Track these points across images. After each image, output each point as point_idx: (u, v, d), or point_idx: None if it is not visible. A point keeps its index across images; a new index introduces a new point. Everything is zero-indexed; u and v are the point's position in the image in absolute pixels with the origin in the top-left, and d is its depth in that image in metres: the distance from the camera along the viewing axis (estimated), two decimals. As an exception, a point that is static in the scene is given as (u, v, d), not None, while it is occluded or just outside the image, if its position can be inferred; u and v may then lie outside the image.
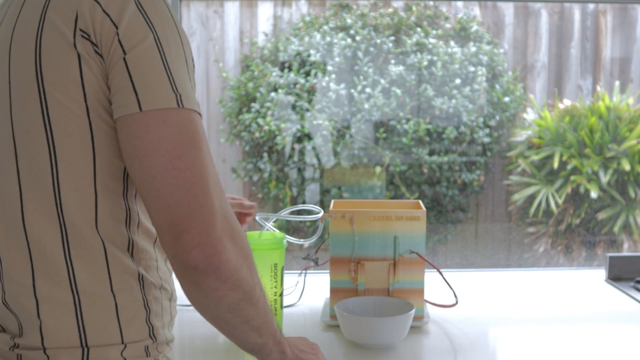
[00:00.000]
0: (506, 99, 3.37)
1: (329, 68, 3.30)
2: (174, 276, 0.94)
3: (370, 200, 1.39)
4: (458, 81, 3.30)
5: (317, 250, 1.40)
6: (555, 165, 3.28)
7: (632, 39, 3.47)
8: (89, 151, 0.77)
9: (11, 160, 0.78)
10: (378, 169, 3.30)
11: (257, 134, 3.27)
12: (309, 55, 3.32)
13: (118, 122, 0.76)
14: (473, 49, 3.35)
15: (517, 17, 3.45)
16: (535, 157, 3.34)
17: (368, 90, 3.28)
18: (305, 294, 1.48)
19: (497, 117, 3.38)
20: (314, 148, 3.31)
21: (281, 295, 1.25)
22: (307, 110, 3.28)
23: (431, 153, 3.31)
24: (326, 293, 1.39)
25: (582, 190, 3.30)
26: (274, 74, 3.29)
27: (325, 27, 3.36)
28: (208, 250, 0.74)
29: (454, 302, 1.31)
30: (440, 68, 3.29)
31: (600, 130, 3.28)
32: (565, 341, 1.24)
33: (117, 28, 0.76)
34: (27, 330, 0.78)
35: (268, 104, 3.27)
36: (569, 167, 3.29)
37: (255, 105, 3.29)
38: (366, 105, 3.27)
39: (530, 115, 3.44)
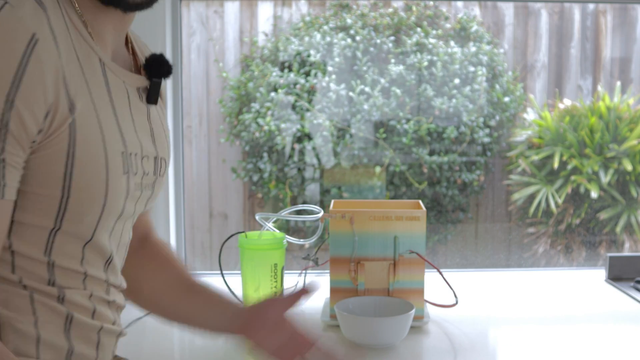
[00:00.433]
0: (506, 99, 3.37)
1: (329, 68, 3.30)
2: None
3: (370, 200, 1.39)
4: (458, 81, 3.30)
5: (317, 250, 1.40)
6: (556, 165, 3.28)
7: (632, 39, 3.47)
8: None
9: None
10: (378, 169, 3.30)
11: (257, 134, 3.27)
12: (308, 56, 3.32)
13: None
14: (473, 49, 3.35)
15: (517, 17, 3.45)
16: (536, 157, 3.34)
17: (368, 90, 3.28)
18: (305, 294, 1.48)
19: (497, 117, 3.38)
20: (314, 148, 3.31)
21: (281, 295, 1.25)
22: (307, 110, 3.28)
23: (431, 153, 3.31)
24: (326, 293, 1.39)
25: (582, 190, 3.30)
26: (274, 74, 3.29)
27: (325, 27, 3.36)
28: None
29: (454, 302, 1.31)
30: (440, 68, 3.29)
31: (600, 130, 3.27)
32: (565, 341, 1.24)
33: None
34: None
35: (268, 104, 3.27)
36: (569, 167, 3.29)
37: (255, 105, 3.29)
38: (366, 106, 3.27)
39: (530, 115, 3.44)
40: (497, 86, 3.37)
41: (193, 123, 3.38)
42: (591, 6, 3.42)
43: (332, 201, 1.38)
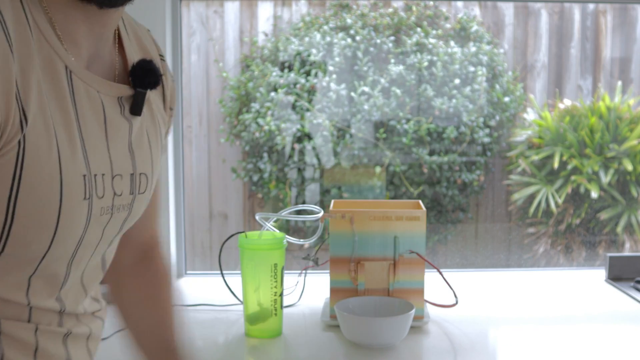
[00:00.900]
0: (506, 99, 3.37)
1: (330, 68, 3.30)
2: None
3: (370, 200, 1.39)
4: (458, 81, 3.30)
5: (317, 250, 1.40)
6: (556, 165, 3.28)
7: (632, 39, 3.47)
8: None
9: None
10: (378, 169, 3.30)
11: (257, 134, 3.27)
12: (309, 55, 3.32)
13: None
14: (473, 49, 3.35)
15: (517, 17, 3.45)
16: (536, 157, 3.34)
17: (368, 90, 3.28)
18: (305, 294, 1.48)
19: (497, 117, 3.38)
20: (314, 148, 3.31)
21: (281, 295, 1.25)
22: (307, 110, 3.28)
23: (431, 153, 3.31)
24: (326, 293, 1.39)
25: (582, 190, 3.30)
26: (274, 74, 3.29)
27: (325, 27, 3.36)
28: None
29: (454, 302, 1.31)
30: (440, 68, 3.29)
31: (600, 130, 3.27)
32: (565, 341, 1.24)
33: None
34: None
35: (268, 104, 3.27)
36: (570, 167, 3.29)
37: (255, 105, 3.29)
38: (366, 106, 3.27)
39: (530, 115, 3.44)
40: (497, 86, 3.37)
41: (193, 123, 3.38)
42: (591, 6, 3.42)
43: (332, 201, 1.38)
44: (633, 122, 3.30)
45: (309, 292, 1.49)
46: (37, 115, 0.63)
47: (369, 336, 1.17)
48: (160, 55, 0.88)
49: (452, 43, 3.36)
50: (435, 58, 3.31)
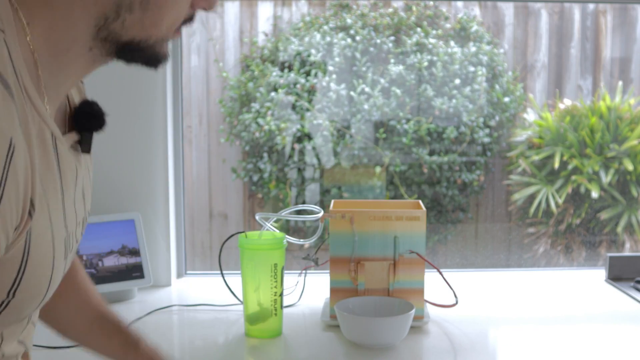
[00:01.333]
0: (506, 99, 3.37)
1: (330, 68, 3.30)
2: None
3: (370, 200, 1.39)
4: (458, 81, 3.30)
5: (317, 250, 1.40)
6: (556, 165, 3.28)
7: (632, 39, 3.47)
8: None
9: None
10: (378, 169, 3.30)
11: (257, 134, 3.27)
12: (309, 56, 3.32)
13: None
14: (473, 49, 3.35)
15: (517, 17, 3.45)
16: (536, 157, 3.34)
17: (368, 90, 3.28)
18: (305, 294, 1.48)
19: (497, 117, 3.38)
20: (314, 148, 3.31)
21: (281, 295, 1.25)
22: (307, 110, 3.28)
23: (431, 153, 3.31)
24: (326, 293, 1.39)
25: (582, 190, 3.30)
26: (274, 74, 3.29)
27: (325, 27, 3.35)
28: None
29: (454, 302, 1.31)
30: (440, 68, 3.29)
31: (601, 130, 3.27)
32: (565, 341, 1.24)
33: None
34: None
35: (268, 104, 3.27)
36: (570, 167, 3.29)
37: (255, 105, 3.29)
38: (366, 106, 3.27)
39: (530, 116, 3.44)
40: (497, 86, 3.37)
41: (193, 123, 3.38)
42: (591, 6, 3.42)
43: (332, 201, 1.38)
44: (633, 122, 3.30)
45: (309, 292, 1.49)
46: (39, 199, 0.61)
47: (369, 336, 1.17)
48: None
49: (452, 43, 3.36)
50: (435, 58, 3.31)
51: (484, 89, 3.34)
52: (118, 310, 0.99)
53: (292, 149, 3.31)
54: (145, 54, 0.67)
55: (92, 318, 0.93)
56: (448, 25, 3.42)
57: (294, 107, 3.29)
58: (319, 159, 3.32)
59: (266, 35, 3.41)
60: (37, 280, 0.64)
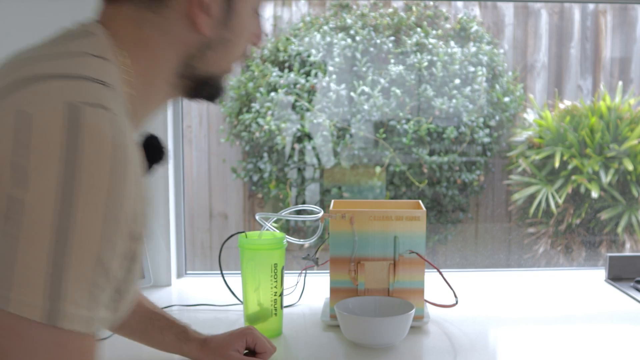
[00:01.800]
0: (506, 99, 3.37)
1: (329, 68, 3.30)
2: None
3: (370, 200, 1.39)
4: (458, 81, 3.30)
5: (317, 250, 1.40)
6: (556, 165, 3.28)
7: (632, 39, 3.47)
8: None
9: None
10: (378, 169, 3.30)
11: (257, 134, 3.27)
12: (309, 56, 3.32)
13: None
14: (473, 49, 3.35)
15: (517, 17, 3.45)
16: (536, 157, 3.34)
17: (368, 90, 3.28)
18: (305, 294, 1.48)
19: (497, 117, 3.38)
20: (314, 148, 3.31)
21: (281, 295, 1.25)
22: (307, 110, 3.28)
23: (431, 153, 3.31)
24: (326, 293, 1.39)
25: (582, 190, 3.30)
26: (274, 74, 3.29)
27: (325, 27, 3.35)
28: None
29: (454, 302, 1.31)
30: (440, 68, 3.29)
31: (601, 130, 3.27)
32: (565, 341, 1.24)
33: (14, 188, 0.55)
34: None
35: (268, 104, 3.27)
36: (570, 167, 3.29)
37: (255, 105, 3.29)
38: (366, 106, 3.27)
39: (530, 116, 3.44)
40: (497, 86, 3.37)
41: (193, 123, 3.38)
42: (591, 6, 3.42)
43: (332, 201, 1.38)
44: (633, 122, 3.30)
45: (309, 292, 1.49)
46: None
47: (369, 336, 1.17)
48: None
49: (452, 43, 3.36)
50: (435, 58, 3.31)
51: (484, 89, 3.34)
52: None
53: (292, 149, 3.31)
54: (213, 88, 0.76)
55: (144, 317, 1.04)
56: (448, 26, 3.42)
57: (294, 107, 3.29)
58: (319, 159, 3.32)
59: (266, 35, 3.41)
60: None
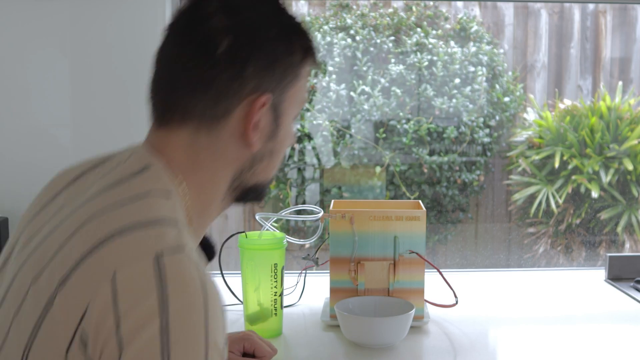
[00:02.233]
0: (506, 99, 3.37)
1: (329, 68, 3.30)
2: None
3: (370, 200, 1.39)
4: (458, 81, 3.30)
5: (317, 250, 1.40)
6: (556, 165, 3.28)
7: (632, 39, 3.47)
8: None
9: None
10: (378, 169, 3.30)
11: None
12: (309, 56, 3.32)
13: None
14: (473, 49, 3.35)
15: (517, 17, 3.45)
16: (536, 157, 3.34)
17: (368, 90, 3.28)
18: (305, 294, 1.48)
19: (497, 117, 3.38)
20: (314, 148, 3.31)
21: (281, 295, 1.25)
22: (307, 110, 3.28)
23: (431, 153, 3.31)
24: (326, 293, 1.39)
25: (582, 190, 3.30)
26: (274, 74, 3.29)
27: (325, 27, 3.36)
28: None
29: (454, 302, 1.31)
30: (441, 68, 3.29)
31: (601, 130, 3.28)
32: (565, 341, 1.24)
33: (120, 350, 0.59)
34: None
35: (268, 104, 3.27)
36: (570, 167, 3.29)
37: (256, 105, 3.29)
38: (366, 106, 3.27)
39: (530, 116, 3.44)
40: (497, 86, 3.37)
41: (193, 123, 3.38)
42: (591, 6, 3.42)
43: (332, 201, 1.38)
44: (633, 122, 3.30)
45: (309, 292, 1.49)
46: None
47: (369, 336, 1.17)
48: None
49: (452, 43, 3.36)
50: (435, 58, 3.31)
51: (484, 88, 3.34)
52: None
53: (292, 148, 3.31)
54: (260, 193, 0.81)
55: None
56: (448, 26, 3.42)
57: (294, 107, 3.29)
58: (319, 159, 3.32)
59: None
60: None
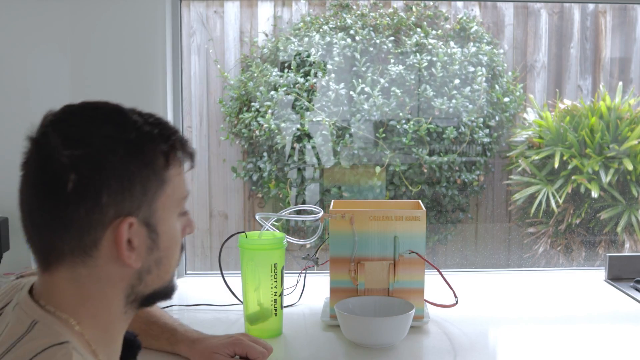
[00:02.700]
0: (506, 99, 3.37)
1: (329, 68, 3.30)
2: None
3: (370, 200, 1.39)
4: (458, 81, 3.30)
5: (317, 250, 1.41)
6: (556, 165, 3.28)
7: (632, 39, 3.47)
8: None
9: None
10: (378, 169, 3.30)
11: (257, 132, 3.27)
12: (308, 56, 3.32)
13: None
14: (473, 49, 3.35)
15: (517, 17, 3.45)
16: (536, 157, 3.34)
17: (367, 90, 3.28)
18: (305, 294, 1.48)
19: (497, 118, 3.38)
20: (313, 147, 3.31)
21: (281, 295, 1.26)
22: (307, 109, 3.28)
23: (431, 153, 3.31)
24: (326, 293, 1.39)
25: (582, 190, 3.30)
26: (274, 73, 3.29)
27: (325, 27, 3.36)
28: None
29: (454, 302, 1.31)
30: (440, 68, 3.29)
31: (600, 130, 3.27)
32: (565, 341, 1.24)
33: None
34: None
35: (268, 103, 3.27)
36: (570, 167, 3.29)
37: (255, 105, 3.29)
38: (365, 106, 3.27)
39: (530, 116, 3.44)
40: (497, 86, 3.37)
41: (193, 123, 3.38)
42: (591, 6, 3.42)
43: (332, 201, 1.38)
44: (633, 122, 3.30)
45: (309, 292, 1.49)
46: None
47: (369, 336, 1.17)
48: None
49: (451, 43, 3.36)
50: (435, 58, 3.31)
51: (483, 89, 3.34)
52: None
53: (292, 148, 3.31)
54: (165, 294, 0.82)
55: (140, 329, 1.09)
56: (448, 26, 3.42)
57: (293, 106, 3.29)
58: (319, 159, 3.32)
59: (266, 35, 3.41)
60: None
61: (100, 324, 0.76)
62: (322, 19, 3.40)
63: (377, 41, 3.34)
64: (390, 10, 3.41)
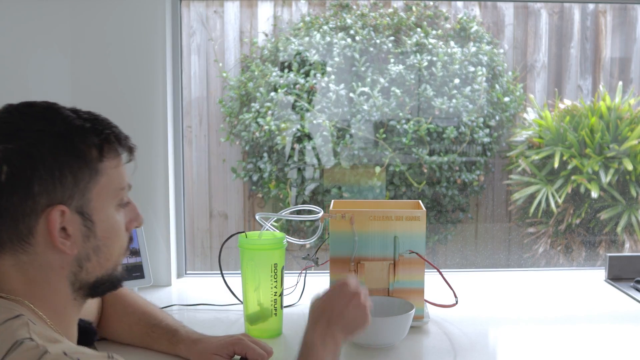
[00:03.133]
0: (506, 99, 3.37)
1: (329, 68, 3.30)
2: None
3: (370, 200, 1.39)
4: (458, 81, 3.30)
5: (317, 250, 1.41)
6: (556, 165, 3.28)
7: (632, 39, 3.47)
8: None
9: None
10: (378, 169, 3.30)
11: (257, 134, 3.27)
12: (307, 57, 3.32)
13: None
14: (473, 49, 3.35)
15: (517, 17, 3.45)
16: (536, 157, 3.34)
17: (367, 90, 3.28)
18: (305, 294, 1.48)
19: (497, 117, 3.38)
20: (314, 148, 3.31)
21: (281, 295, 1.26)
22: (307, 110, 3.28)
23: (431, 153, 3.31)
24: (326, 293, 1.39)
25: (582, 190, 3.30)
26: (274, 74, 3.29)
27: (325, 27, 3.36)
28: None
29: (454, 302, 1.31)
30: (440, 68, 3.29)
31: (600, 130, 3.27)
32: (565, 341, 1.24)
33: None
34: None
35: (268, 104, 3.27)
36: (570, 166, 3.29)
37: (255, 105, 3.29)
38: (365, 106, 3.27)
39: (530, 115, 3.44)
40: (497, 86, 3.37)
41: (193, 123, 3.38)
42: (591, 6, 3.42)
43: (332, 201, 1.38)
44: (633, 122, 3.30)
45: (309, 292, 1.49)
46: None
47: (369, 336, 1.17)
48: None
49: (452, 43, 3.36)
50: (435, 58, 3.31)
51: (484, 89, 3.34)
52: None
53: (292, 149, 3.31)
54: (111, 283, 0.86)
55: (143, 332, 1.16)
56: (448, 26, 3.42)
57: (293, 107, 3.29)
58: (319, 159, 3.32)
59: (266, 35, 3.41)
60: None
61: (52, 307, 0.81)
62: (322, 19, 3.40)
63: (377, 41, 3.33)
64: (390, 10, 3.41)
